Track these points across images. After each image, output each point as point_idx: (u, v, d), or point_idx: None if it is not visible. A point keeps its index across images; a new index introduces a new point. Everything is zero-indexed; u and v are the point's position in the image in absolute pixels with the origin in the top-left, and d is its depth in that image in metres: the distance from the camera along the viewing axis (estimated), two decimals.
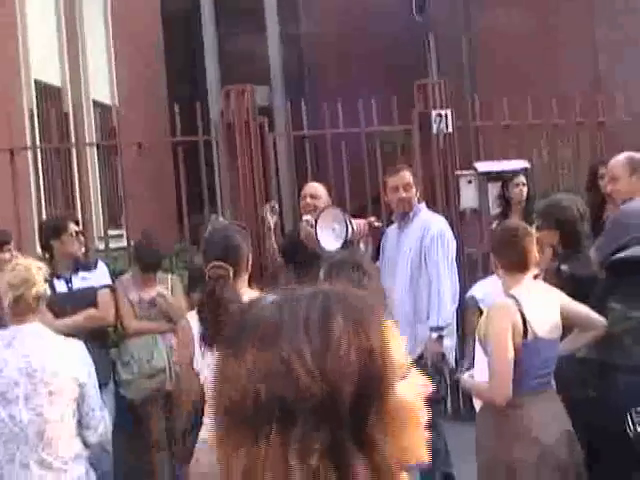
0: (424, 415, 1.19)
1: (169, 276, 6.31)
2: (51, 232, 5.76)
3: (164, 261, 6.61)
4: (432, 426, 4.55)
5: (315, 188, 6.38)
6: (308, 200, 6.20)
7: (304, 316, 1.14)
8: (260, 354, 1.12)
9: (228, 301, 3.57)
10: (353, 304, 1.18)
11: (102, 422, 3.93)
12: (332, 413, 1.10)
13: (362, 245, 6.00)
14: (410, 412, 1.17)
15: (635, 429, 3.94)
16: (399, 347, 1.18)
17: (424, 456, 1.19)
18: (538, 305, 4.04)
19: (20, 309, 3.78)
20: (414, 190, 5.87)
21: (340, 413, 1.10)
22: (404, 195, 5.88)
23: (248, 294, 3.73)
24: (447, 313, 5.60)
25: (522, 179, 7.33)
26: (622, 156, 5.81)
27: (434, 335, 5.55)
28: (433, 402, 4.94)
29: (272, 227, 6.51)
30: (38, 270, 3.85)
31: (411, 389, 1.18)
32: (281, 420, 1.10)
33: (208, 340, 3.50)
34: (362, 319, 1.16)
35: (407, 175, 5.92)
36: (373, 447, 1.12)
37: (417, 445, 1.17)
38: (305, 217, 6.06)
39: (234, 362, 1.14)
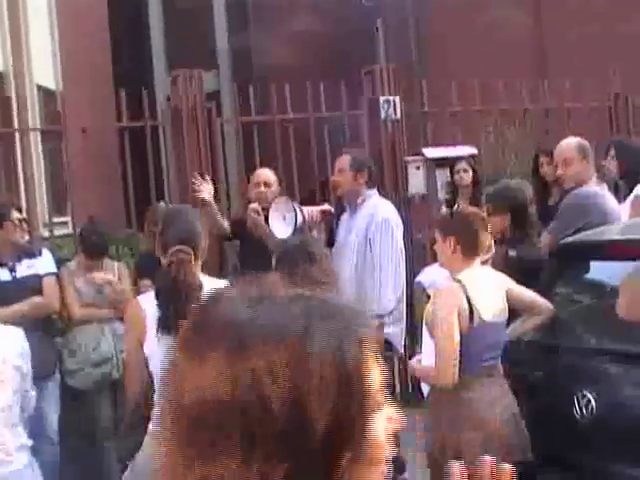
0: (390, 453, 1.07)
1: (115, 263, 6.23)
2: None
3: (110, 248, 6.52)
4: None
5: (267, 176, 6.35)
6: (262, 188, 6.17)
7: (282, 326, 1.01)
8: (227, 362, 1.00)
9: (190, 286, 3.53)
10: (337, 319, 1.04)
11: (32, 399, 3.91)
12: (300, 442, 0.98)
13: (315, 232, 6.01)
14: (381, 452, 1.05)
15: (581, 412, 3.98)
16: (378, 373, 1.06)
17: None
18: (484, 289, 4.06)
19: None
20: (347, 175, 5.86)
21: (309, 445, 0.98)
22: (334, 178, 6.00)
23: (205, 280, 3.69)
24: (388, 301, 5.60)
25: (464, 165, 7.38)
26: (573, 140, 5.86)
27: (376, 322, 5.56)
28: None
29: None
30: None
31: (384, 424, 1.05)
32: (244, 437, 0.98)
33: (166, 325, 3.44)
34: (346, 338, 1.03)
35: (342, 159, 5.94)
36: None
37: None
38: (252, 205, 6.04)
39: (196, 365, 1.01)
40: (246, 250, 6.28)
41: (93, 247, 5.96)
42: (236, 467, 0.98)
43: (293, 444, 0.98)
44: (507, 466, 1.24)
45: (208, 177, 6.33)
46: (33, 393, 3.92)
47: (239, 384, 0.98)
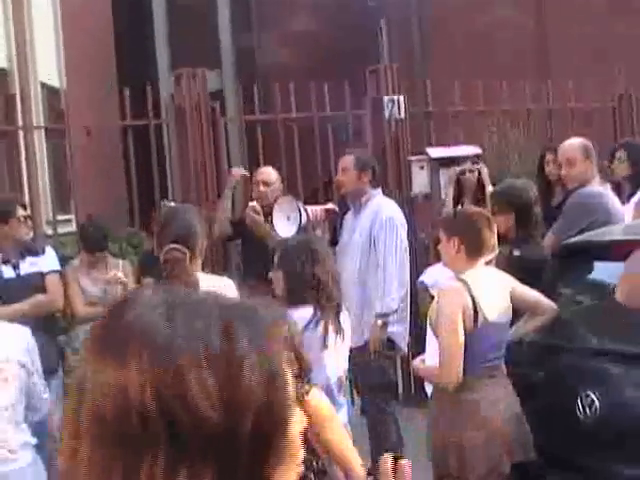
0: (301, 455, 1.06)
1: (120, 261, 6.24)
2: None
3: (114, 246, 6.53)
4: (381, 411, 4.60)
5: (268, 174, 6.37)
6: (261, 187, 6.21)
7: (202, 329, 0.99)
8: (151, 365, 0.97)
9: (185, 284, 3.54)
10: (256, 321, 1.03)
11: (45, 403, 3.90)
12: (227, 446, 0.96)
13: (319, 231, 6.02)
14: (298, 451, 1.05)
15: (585, 412, 3.98)
16: (291, 371, 1.05)
17: None
18: (488, 289, 4.06)
19: None
20: (351, 174, 5.87)
21: (236, 448, 0.97)
22: (338, 178, 6.03)
23: (202, 278, 3.70)
24: (391, 300, 5.60)
25: (470, 165, 7.37)
26: (576, 140, 5.87)
27: (379, 322, 5.57)
28: (383, 387, 4.98)
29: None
30: None
31: (297, 424, 1.05)
32: (170, 444, 0.95)
33: None
34: (266, 340, 1.02)
35: (346, 159, 5.96)
36: None
37: None
38: (251, 204, 6.06)
39: (115, 369, 0.97)
40: (247, 250, 6.29)
41: (93, 243, 5.96)
42: (162, 474, 0.95)
43: (221, 447, 0.96)
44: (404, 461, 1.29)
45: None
46: (45, 396, 3.90)
47: (165, 388, 0.96)
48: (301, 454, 1.06)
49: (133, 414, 0.95)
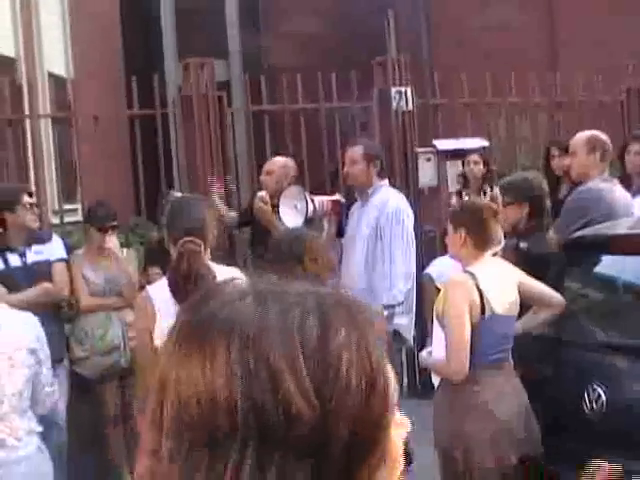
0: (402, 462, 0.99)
1: (124, 250, 6.22)
2: (4, 204, 5.62)
3: (120, 236, 6.51)
4: None
5: (271, 164, 6.44)
6: (264, 176, 6.33)
7: (298, 321, 0.92)
8: (241, 359, 0.89)
9: (202, 277, 3.54)
10: (354, 314, 0.95)
11: (50, 397, 3.88)
12: (322, 448, 0.89)
13: (325, 222, 6.02)
14: (397, 460, 0.97)
15: (591, 406, 3.98)
16: (392, 373, 0.97)
17: None
18: (496, 282, 4.05)
19: None
20: (360, 166, 5.86)
21: (331, 450, 0.89)
22: (346, 169, 6.01)
23: (216, 268, 3.70)
24: (398, 292, 5.59)
25: (475, 157, 7.37)
26: (584, 134, 5.86)
27: (385, 313, 5.55)
28: None
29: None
30: None
31: (397, 430, 0.97)
32: (260, 442, 0.88)
33: None
34: (366, 335, 0.94)
35: (354, 150, 5.94)
36: None
37: None
38: (259, 193, 6.09)
39: (201, 362, 0.91)
40: (257, 239, 6.29)
41: (103, 219, 5.87)
42: (251, 474, 0.88)
43: (316, 448, 0.89)
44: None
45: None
46: (51, 389, 3.88)
47: (256, 383, 0.89)
48: (402, 462, 0.98)
49: (220, 410, 0.89)
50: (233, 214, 6.81)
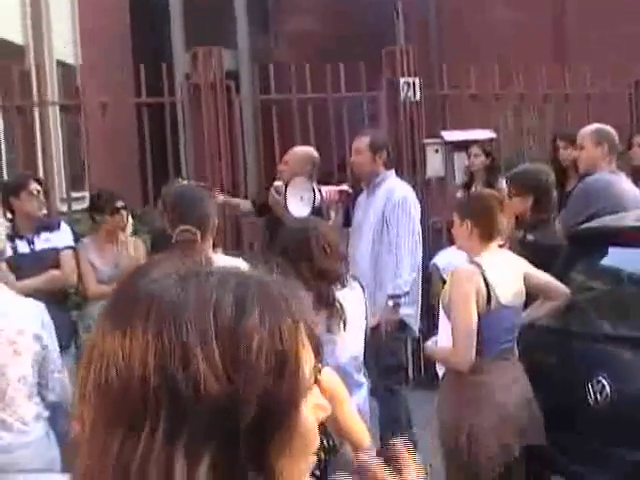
0: (316, 444, 1.02)
1: (132, 238, 6.23)
2: (11, 190, 5.64)
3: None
4: (392, 393, 4.58)
5: (289, 154, 6.41)
6: (280, 166, 6.35)
7: (214, 300, 0.96)
8: (156, 334, 0.94)
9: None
10: (273, 296, 0.99)
11: (59, 383, 3.89)
12: (229, 424, 0.93)
13: (332, 212, 6.03)
14: (309, 439, 1.00)
15: (595, 397, 3.99)
16: (310, 358, 1.00)
17: None
18: (502, 272, 4.06)
19: None
20: (366, 156, 5.87)
21: (239, 426, 0.93)
22: (352, 159, 6.05)
23: (217, 257, 3.70)
24: (404, 282, 5.59)
25: (476, 149, 7.37)
26: (592, 126, 5.86)
27: (390, 303, 5.56)
28: (393, 369, 4.95)
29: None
30: None
31: (312, 410, 1.01)
32: (170, 415, 0.93)
33: None
34: (280, 317, 0.98)
35: (361, 140, 5.95)
36: (272, 476, 0.96)
37: (303, 475, 1.01)
38: (276, 183, 6.12)
39: (120, 338, 0.95)
40: (272, 229, 6.31)
41: (109, 202, 5.87)
42: (161, 448, 0.93)
43: (222, 424, 0.93)
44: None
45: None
46: (59, 375, 3.89)
47: (170, 358, 0.93)
48: (316, 444, 1.02)
49: (135, 382, 0.94)
50: (248, 203, 6.83)
